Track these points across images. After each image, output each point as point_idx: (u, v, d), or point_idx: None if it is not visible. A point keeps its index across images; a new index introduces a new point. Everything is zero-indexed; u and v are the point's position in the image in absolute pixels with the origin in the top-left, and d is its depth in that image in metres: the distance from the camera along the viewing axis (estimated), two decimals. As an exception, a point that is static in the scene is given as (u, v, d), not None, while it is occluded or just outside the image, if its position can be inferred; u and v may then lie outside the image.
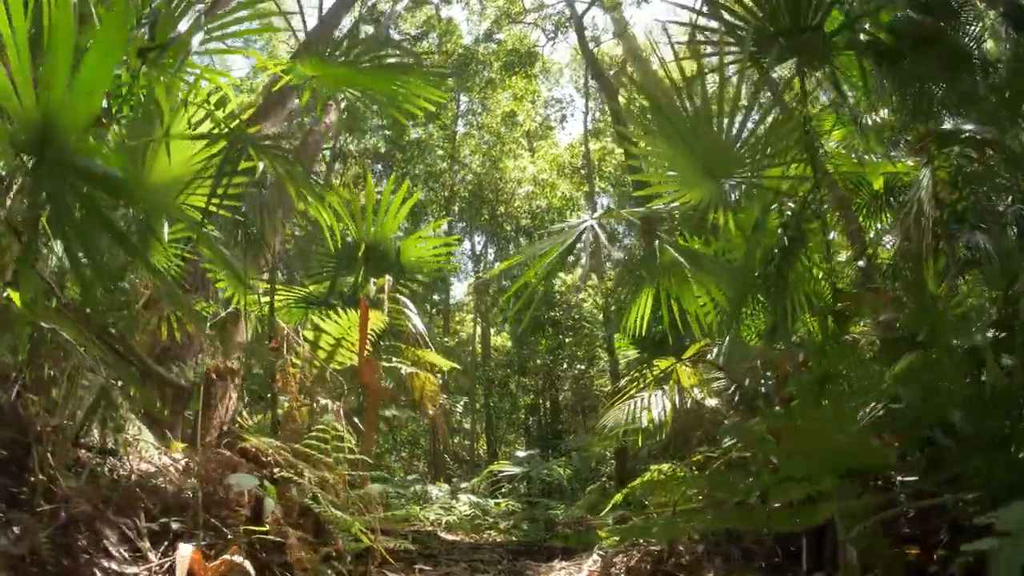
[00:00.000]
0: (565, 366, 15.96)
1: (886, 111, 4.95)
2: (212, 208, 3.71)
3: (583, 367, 15.85)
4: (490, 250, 20.72)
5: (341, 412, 3.13)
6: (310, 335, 3.92)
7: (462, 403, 16.98)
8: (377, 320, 3.73)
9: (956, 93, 4.13)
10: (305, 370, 3.37)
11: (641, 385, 4.34)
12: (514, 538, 6.12)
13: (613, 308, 13.20)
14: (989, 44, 5.02)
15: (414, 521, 6.87)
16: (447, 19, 19.85)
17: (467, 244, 20.71)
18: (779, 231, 4.24)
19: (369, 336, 3.70)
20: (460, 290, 24.82)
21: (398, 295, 4.23)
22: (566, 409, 17.13)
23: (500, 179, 17.82)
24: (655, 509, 3.94)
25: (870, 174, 5.65)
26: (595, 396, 15.52)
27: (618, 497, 3.94)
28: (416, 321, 4.36)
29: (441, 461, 14.78)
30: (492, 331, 19.83)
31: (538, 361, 16.23)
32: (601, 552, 3.47)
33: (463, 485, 9.54)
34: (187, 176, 3.63)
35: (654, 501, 3.82)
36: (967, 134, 4.09)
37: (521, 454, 11.53)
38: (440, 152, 18.42)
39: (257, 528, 2.46)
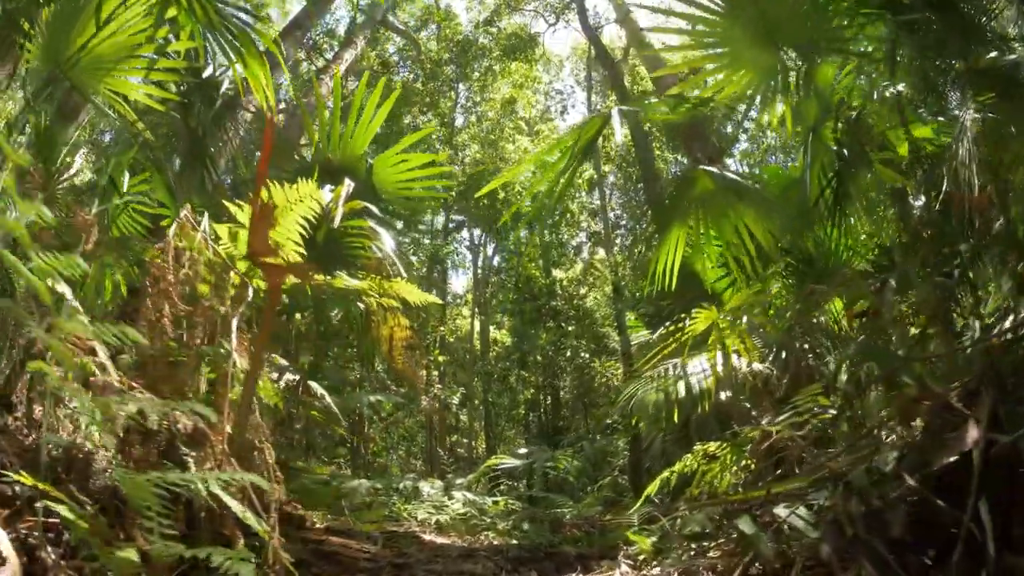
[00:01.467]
0: (568, 354, 15.10)
1: (902, 86, 4.66)
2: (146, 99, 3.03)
3: (586, 356, 14.98)
4: (490, 244, 19.97)
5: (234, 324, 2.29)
6: (224, 232, 2.89)
7: (459, 395, 16.21)
8: (311, 193, 2.56)
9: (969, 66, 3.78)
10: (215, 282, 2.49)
11: (674, 345, 3.52)
12: (515, 541, 5.25)
13: (628, 272, 12.40)
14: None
15: (403, 521, 6.03)
16: (446, 7, 19.73)
17: (465, 233, 20.02)
18: (835, 147, 3.50)
19: (301, 224, 2.61)
20: (458, 284, 24.14)
21: (364, 203, 3.18)
22: (567, 405, 16.35)
23: (499, 158, 17.11)
24: (687, 502, 3.12)
25: (897, 138, 5.17)
26: (599, 390, 14.70)
27: (651, 488, 3.10)
28: (385, 239, 3.34)
29: (437, 458, 13.96)
30: (492, 326, 19.08)
31: (539, 357, 15.44)
32: (629, 561, 2.61)
33: (458, 481, 8.68)
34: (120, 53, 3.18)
35: (691, 492, 3.00)
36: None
37: (523, 451, 10.73)
38: (438, 138, 17.76)
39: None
